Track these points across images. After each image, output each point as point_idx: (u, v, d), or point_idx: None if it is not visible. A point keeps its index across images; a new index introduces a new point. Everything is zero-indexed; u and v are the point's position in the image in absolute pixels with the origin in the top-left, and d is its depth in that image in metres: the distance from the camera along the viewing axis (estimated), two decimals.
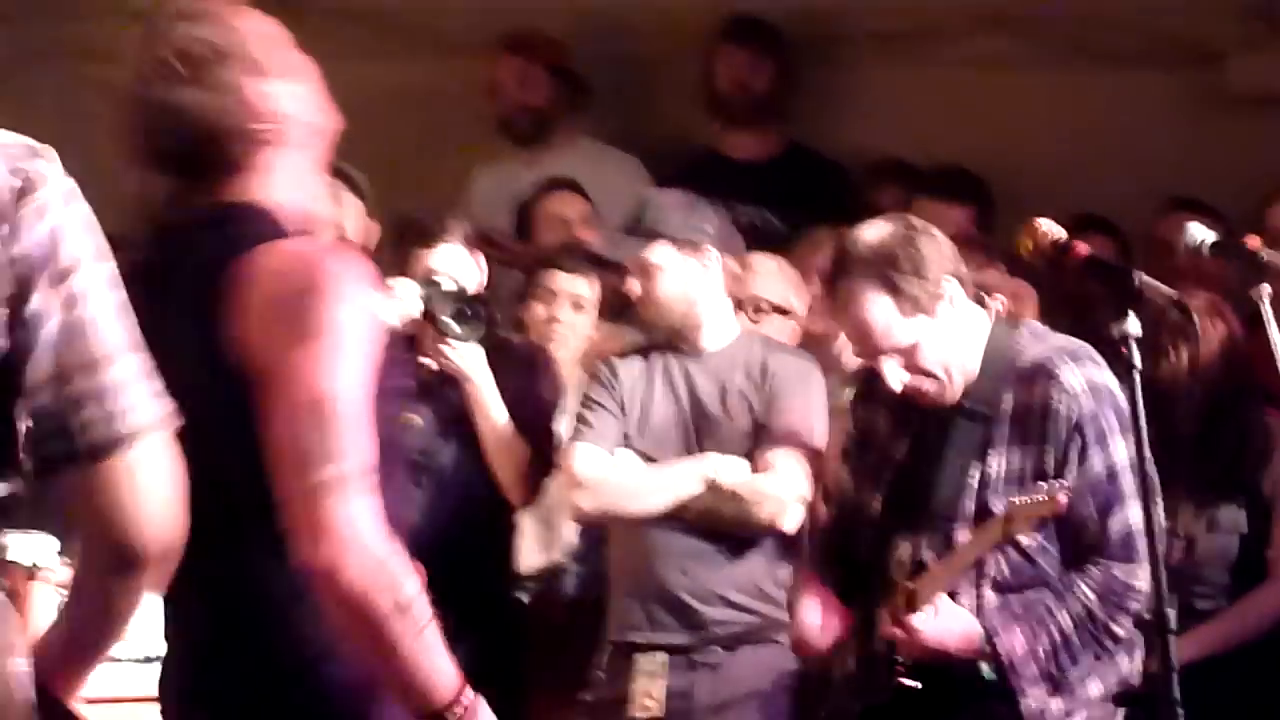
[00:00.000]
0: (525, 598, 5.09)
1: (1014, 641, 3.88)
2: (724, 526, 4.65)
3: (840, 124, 6.61)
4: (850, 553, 4.17)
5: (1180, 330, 4.55)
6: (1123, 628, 3.89)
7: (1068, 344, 4.01)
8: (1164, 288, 3.50)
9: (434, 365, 4.88)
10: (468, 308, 4.82)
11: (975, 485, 3.93)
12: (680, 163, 6.37)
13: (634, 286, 4.75)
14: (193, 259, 2.74)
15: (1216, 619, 4.62)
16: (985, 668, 3.89)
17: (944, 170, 6.09)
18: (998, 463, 3.93)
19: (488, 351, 4.88)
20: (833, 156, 6.55)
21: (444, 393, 4.91)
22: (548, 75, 6.45)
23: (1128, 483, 3.85)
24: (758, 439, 4.68)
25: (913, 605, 3.89)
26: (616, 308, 5.26)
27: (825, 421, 4.69)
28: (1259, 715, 4.57)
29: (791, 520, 4.62)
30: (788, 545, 4.66)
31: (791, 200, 6.24)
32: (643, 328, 4.88)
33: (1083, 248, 3.64)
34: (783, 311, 5.15)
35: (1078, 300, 4.81)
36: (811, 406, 4.71)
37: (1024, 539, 3.88)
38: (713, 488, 4.64)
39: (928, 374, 3.97)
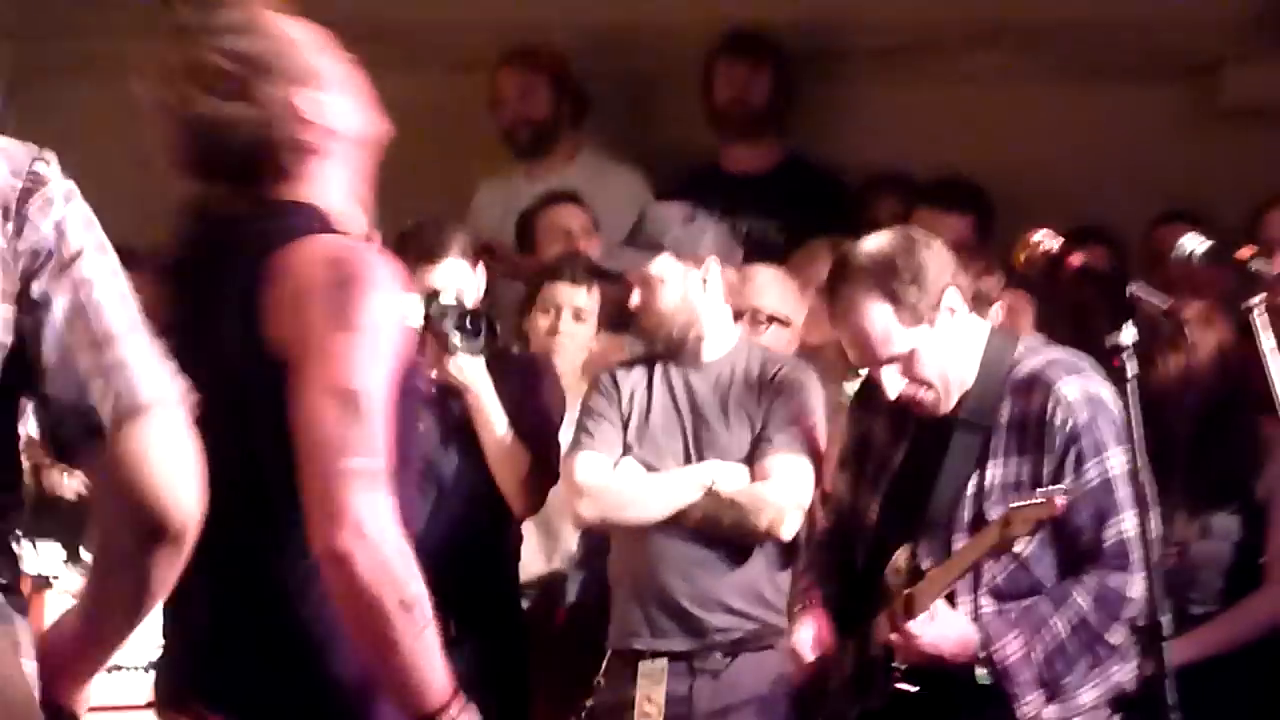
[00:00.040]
0: (527, 604, 5.08)
1: (1009, 647, 3.89)
2: (723, 534, 4.66)
3: (838, 137, 6.62)
4: (848, 560, 4.18)
5: (1173, 339, 4.56)
6: (1117, 636, 3.91)
7: (1064, 355, 4.02)
8: (1158, 297, 3.54)
9: (435, 376, 4.90)
10: (471, 322, 4.81)
11: (972, 494, 3.94)
12: (680, 175, 6.39)
13: (635, 297, 4.76)
14: (235, 250, 2.76)
15: (1212, 623, 4.62)
16: (981, 672, 3.89)
17: (944, 180, 6.09)
18: (995, 472, 3.95)
19: (489, 361, 4.87)
20: (831, 169, 6.56)
21: (446, 402, 4.92)
22: (550, 89, 6.45)
23: (1123, 492, 3.87)
24: (757, 447, 4.69)
25: (910, 611, 3.89)
26: (617, 318, 5.26)
27: (823, 430, 4.70)
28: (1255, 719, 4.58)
29: (790, 528, 4.63)
30: (787, 552, 4.67)
31: (790, 212, 6.25)
32: (643, 338, 4.88)
33: (1077, 258, 3.67)
34: (781, 322, 5.17)
35: (1074, 310, 4.80)
36: (809, 415, 4.71)
37: (1020, 547, 3.88)
38: (712, 495, 4.66)
39: (925, 383, 3.98)
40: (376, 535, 2.61)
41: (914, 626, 3.89)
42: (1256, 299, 3.69)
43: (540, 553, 5.17)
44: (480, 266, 5.01)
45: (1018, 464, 3.93)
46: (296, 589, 2.72)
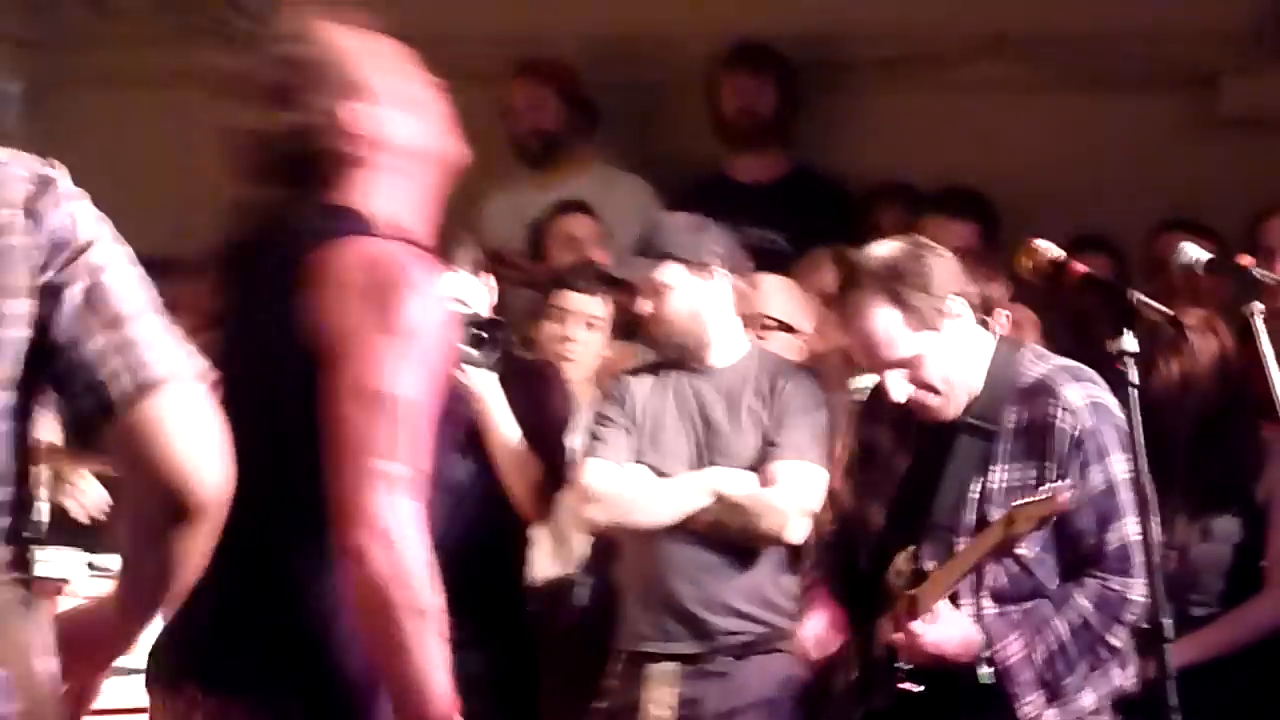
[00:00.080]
0: (537, 608, 5.08)
1: (1010, 648, 3.90)
2: (731, 538, 4.68)
3: (844, 147, 6.63)
4: (852, 563, 4.19)
5: (1173, 345, 4.57)
6: (1118, 638, 3.92)
7: (1068, 364, 4.04)
8: (1159, 305, 3.55)
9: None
10: (484, 333, 4.80)
11: (976, 498, 3.95)
12: (688, 185, 6.39)
13: (645, 305, 4.79)
14: (278, 246, 2.77)
15: (1212, 626, 4.63)
16: (983, 671, 3.91)
17: (950, 188, 6.11)
18: (998, 476, 3.96)
19: (503, 369, 4.88)
20: (837, 179, 6.57)
21: (457, 409, 4.92)
22: (559, 100, 6.47)
23: (1126, 497, 3.87)
24: (764, 453, 4.71)
25: (914, 611, 3.90)
26: (627, 326, 5.27)
27: (829, 436, 4.72)
28: None
29: (797, 532, 4.65)
30: (794, 556, 4.69)
31: (796, 221, 6.26)
32: (653, 345, 4.91)
33: (1079, 266, 3.68)
34: (788, 329, 5.18)
35: (1076, 318, 4.84)
36: (816, 421, 4.74)
37: (1023, 549, 3.89)
38: (720, 500, 4.68)
39: (931, 388, 3.99)
40: (396, 538, 2.61)
41: (917, 627, 3.90)
42: (1256, 306, 3.71)
43: (552, 557, 5.17)
44: (490, 277, 5.00)
45: (1022, 468, 3.95)
46: (310, 582, 2.72)
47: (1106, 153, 6.39)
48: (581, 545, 5.18)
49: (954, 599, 3.94)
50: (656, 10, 6.66)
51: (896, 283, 3.94)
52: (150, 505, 2.30)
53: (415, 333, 2.68)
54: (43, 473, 4.95)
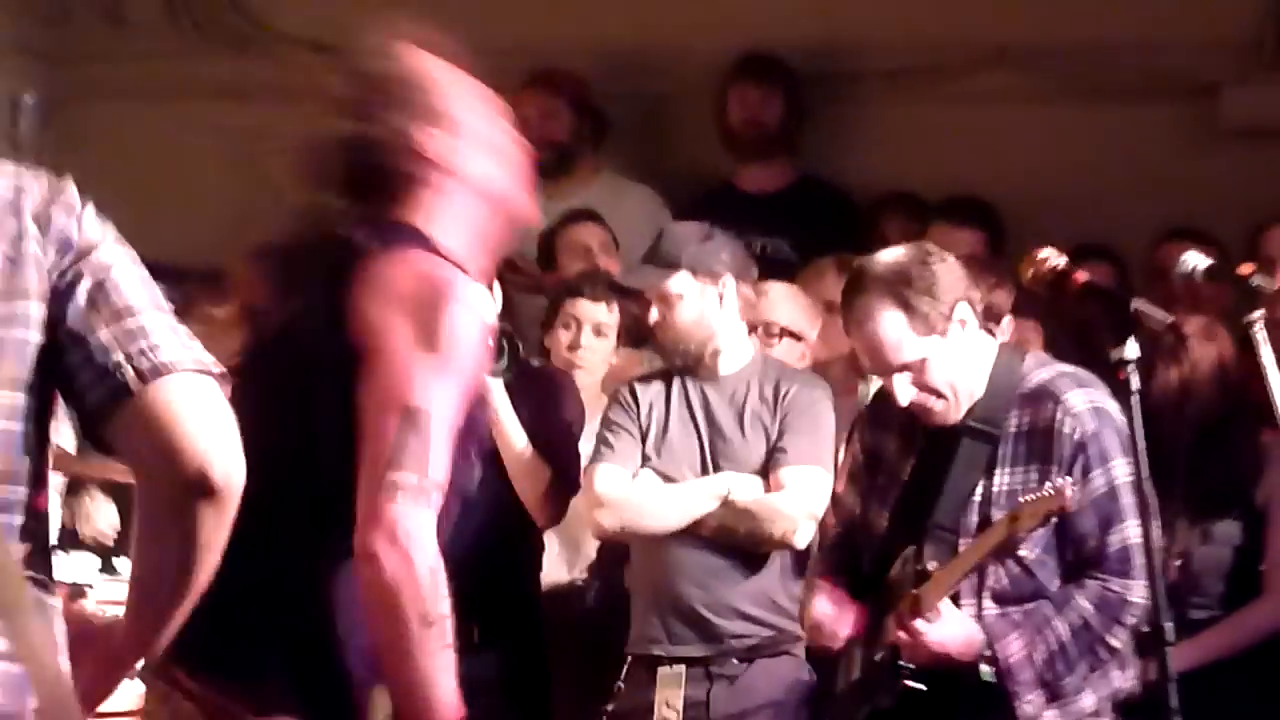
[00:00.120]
0: (549, 611, 5.06)
1: (1011, 647, 3.92)
2: (738, 543, 4.71)
3: (849, 157, 6.64)
4: (855, 564, 4.21)
5: (1174, 353, 4.59)
6: (1118, 639, 3.94)
7: (1071, 369, 4.06)
8: (1160, 312, 3.57)
9: None
10: (495, 343, 4.77)
11: (979, 500, 3.98)
12: (696, 194, 6.41)
13: (653, 313, 4.81)
14: (336, 249, 2.79)
15: (1212, 630, 4.65)
16: (985, 670, 3.92)
17: (958, 197, 6.11)
18: (1002, 479, 3.98)
19: (513, 376, 4.88)
20: (842, 188, 6.58)
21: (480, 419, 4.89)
22: (570, 111, 6.46)
23: (1127, 500, 3.89)
24: (771, 458, 4.74)
25: (917, 610, 3.92)
26: (636, 333, 5.30)
27: (835, 441, 4.75)
28: None
29: (803, 537, 4.68)
30: (801, 561, 4.71)
31: (802, 230, 6.28)
32: (662, 352, 4.93)
33: (1081, 274, 3.70)
34: (794, 335, 5.22)
35: (1078, 325, 4.85)
36: (822, 427, 4.77)
37: (1024, 552, 3.91)
38: (728, 506, 4.71)
39: (936, 392, 4.00)
40: (410, 546, 2.64)
41: (921, 626, 3.92)
42: (1257, 314, 3.73)
43: (562, 561, 5.20)
44: (496, 284, 5.05)
45: (1024, 472, 3.97)
46: (316, 579, 2.74)
47: (1108, 162, 6.40)
48: (592, 549, 5.20)
49: (955, 599, 3.96)
50: (666, 22, 6.67)
51: (903, 287, 3.96)
52: (166, 487, 2.29)
53: (453, 350, 2.70)
54: (58, 478, 5.00)
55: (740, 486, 4.74)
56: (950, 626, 3.93)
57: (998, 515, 3.92)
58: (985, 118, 6.50)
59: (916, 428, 4.10)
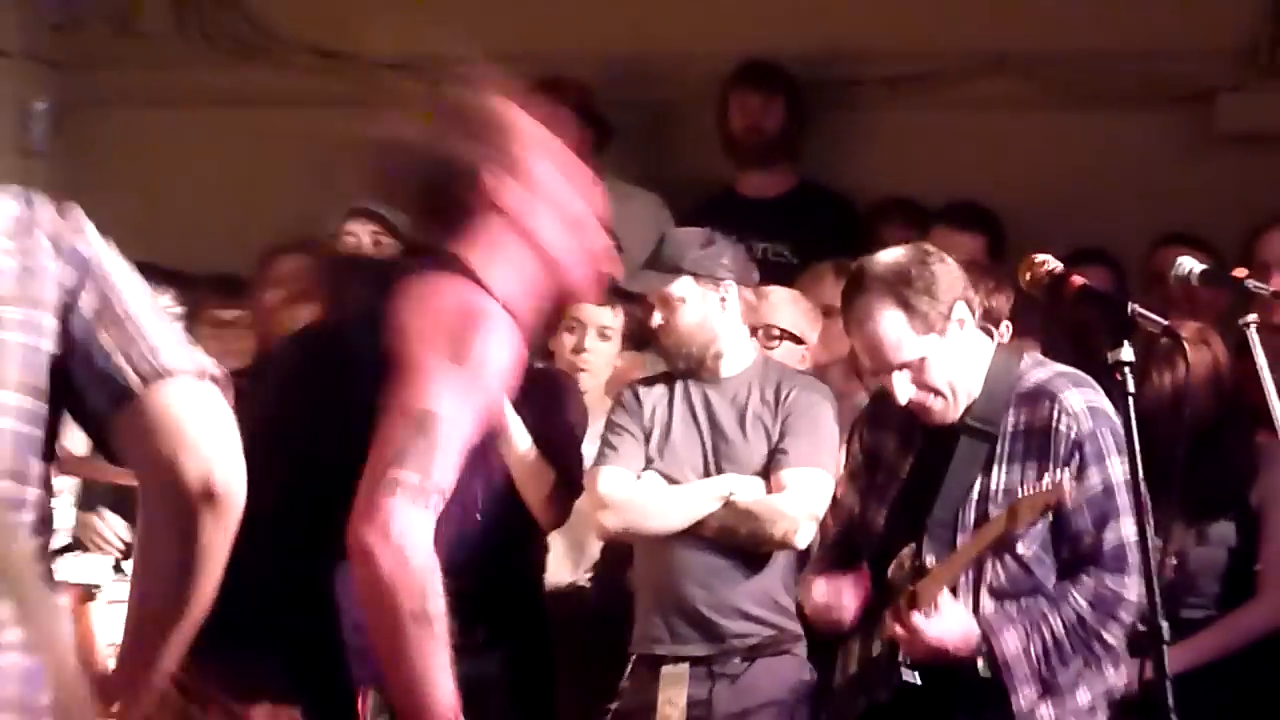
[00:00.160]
0: (553, 611, 5.07)
1: (1007, 641, 3.94)
2: (740, 543, 4.73)
3: (850, 163, 6.65)
4: (854, 563, 4.23)
5: (1169, 356, 4.62)
6: (1113, 636, 3.96)
7: (1068, 370, 4.10)
8: (1155, 316, 3.57)
9: None
10: None
11: (977, 498, 4.00)
12: (698, 200, 6.42)
13: (656, 317, 4.86)
14: (388, 266, 2.87)
15: (1206, 631, 4.67)
16: (982, 664, 3.94)
17: (959, 202, 6.13)
18: (1000, 477, 4.00)
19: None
20: (842, 194, 6.59)
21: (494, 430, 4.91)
22: (573, 118, 6.50)
23: (1122, 499, 3.92)
24: (772, 460, 4.77)
25: (915, 605, 3.93)
26: (640, 337, 5.32)
27: (836, 442, 4.78)
28: None
29: (804, 537, 4.70)
30: (802, 561, 4.72)
31: (803, 235, 6.29)
32: (665, 356, 4.97)
33: (1078, 279, 3.69)
34: (794, 338, 5.24)
35: (1075, 329, 4.85)
36: (822, 429, 4.79)
37: (1021, 549, 3.94)
38: (730, 507, 4.74)
39: (934, 391, 4.02)
40: (404, 542, 2.65)
41: (919, 620, 3.93)
42: (1252, 318, 3.76)
43: (566, 561, 5.20)
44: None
45: (1021, 470, 3.98)
46: (317, 577, 2.76)
47: (1105, 168, 6.41)
48: (596, 550, 5.22)
49: (952, 594, 3.97)
50: (668, 31, 6.70)
51: (903, 287, 3.98)
52: (168, 493, 2.30)
53: (478, 368, 2.73)
54: (71, 481, 5.03)
55: (742, 488, 4.77)
56: (948, 621, 3.94)
57: (995, 512, 3.94)
58: (984, 124, 6.51)
59: (915, 427, 4.13)
